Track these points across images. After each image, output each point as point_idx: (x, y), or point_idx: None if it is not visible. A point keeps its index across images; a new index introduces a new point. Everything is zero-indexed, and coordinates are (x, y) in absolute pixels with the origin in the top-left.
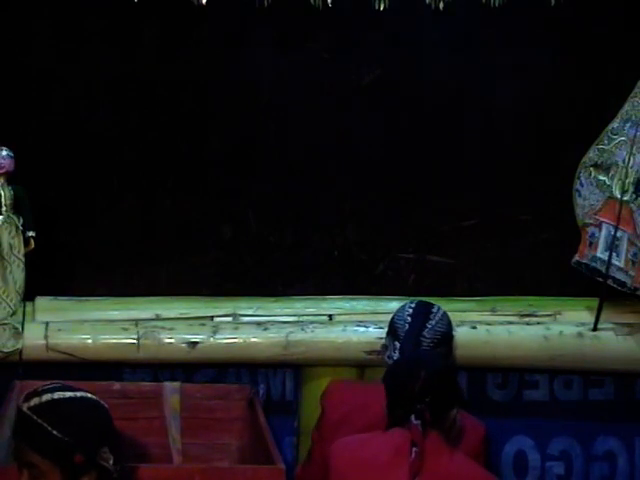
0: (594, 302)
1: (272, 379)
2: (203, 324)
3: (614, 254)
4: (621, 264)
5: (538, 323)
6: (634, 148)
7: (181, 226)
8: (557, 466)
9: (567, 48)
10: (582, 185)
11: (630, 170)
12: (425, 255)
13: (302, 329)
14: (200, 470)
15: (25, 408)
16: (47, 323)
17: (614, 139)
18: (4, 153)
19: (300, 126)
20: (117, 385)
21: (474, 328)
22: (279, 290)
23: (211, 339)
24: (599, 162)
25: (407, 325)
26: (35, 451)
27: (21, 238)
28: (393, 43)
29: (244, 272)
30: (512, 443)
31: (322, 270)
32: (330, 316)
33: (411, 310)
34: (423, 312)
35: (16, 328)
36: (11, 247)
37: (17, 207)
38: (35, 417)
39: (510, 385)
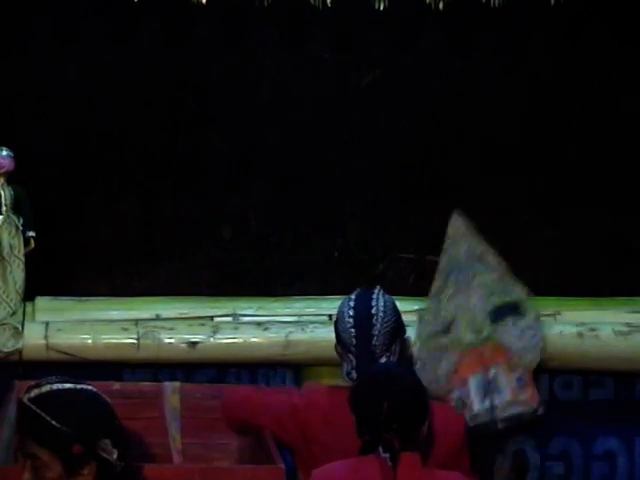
0: (594, 302)
1: (272, 379)
2: (203, 324)
3: (495, 395)
4: (508, 398)
5: None
6: (470, 289)
7: (181, 226)
8: (557, 466)
9: (567, 48)
10: (425, 363)
11: (476, 310)
12: (425, 255)
13: (302, 329)
14: (200, 470)
15: (25, 399)
16: (47, 323)
17: (443, 298)
18: (4, 153)
19: (300, 126)
20: (117, 385)
21: None
22: (279, 290)
23: (211, 339)
24: (437, 330)
25: (354, 339)
26: (35, 441)
27: (21, 238)
28: (393, 43)
29: (244, 272)
30: (512, 443)
31: (322, 270)
32: (330, 316)
33: (352, 320)
34: (365, 317)
35: (16, 328)
36: (11, 247)
37: (17, 207)
38: (34, 407)
39: None
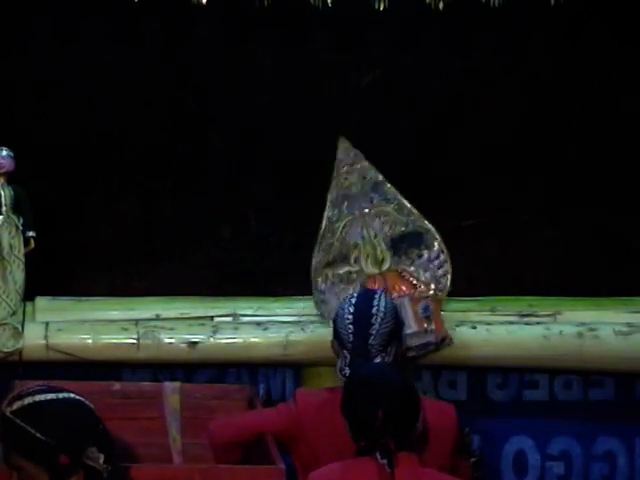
0: (594, 302)
1: (272, 379)
2: (203, 324)
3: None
4: (414, 329)
5: (538, 323)
6: (367, 220)
7: (181, 226)
8: (557, 466)
9: (567, 48)
10: (323, 292)
11: (376, 241)
12: None
13: (302, 329)
14: (200, 470)
15: (8, 412)
16: (47, 323)
17: (338, 227)
18: (4, 153)
19: (300, 126)
20: (117, 385)
21: (474, 328)
22: (279, 290)
23: (211, 339)
24: (331, 259)
25: (351, 335)
26: (21, 454)
27: (21, 238)
28: (393, 43)
29: (244, 272)
30: (512, 443)
31: None
32: None
33: (351, 317)
34: (364, 315)
35: (16, 328)
36: (11, 247)
37: (17, 207)
38: (18, 420)
39: (510, 385)
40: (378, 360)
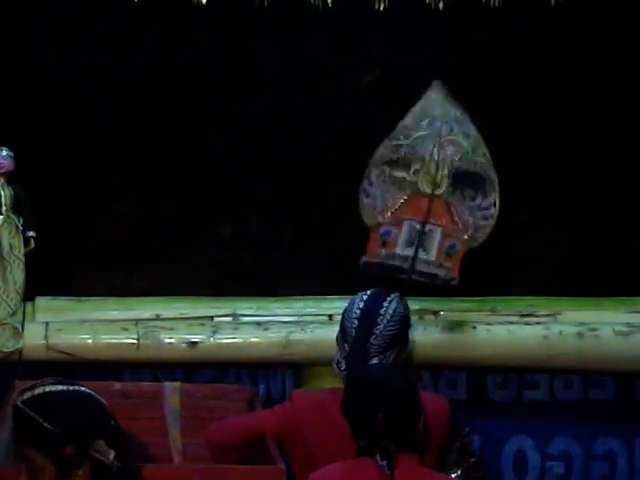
0: (594, 302)
1: (272, 379)
2: (203, 324)
3: (420, 249)
4: (431, 257)
5: (538, 323)
6: (442, 140)
7: (181, 226)
8: (557, 466)
9: (567, 48)
10: (372, 184)
11: (441, 164)
12: None
13: (302, 329)
14: (200, 470)
15: (19, 402)
16: (47, 323)
17: (411, 135)
18: (4, 153)
19: (300, 126)
20: (117, 385)
21: (474, 328)
22: (279, 290)
23: (211, 339)
24: (395, 158)
25: (354, 330)
26: (29, 444)
27: (21, 238)
28: (393, 43)
29: (244, 272)
30: (512, 443)
31: (322, 270)
32: (330, 316)
33: (359, 312)
34: (371, 313)
35: (16, 328)
36: (11, 247)
37: (17, 207)
38: (27, 410)
39: (510, 385)
40: (375, 361)
